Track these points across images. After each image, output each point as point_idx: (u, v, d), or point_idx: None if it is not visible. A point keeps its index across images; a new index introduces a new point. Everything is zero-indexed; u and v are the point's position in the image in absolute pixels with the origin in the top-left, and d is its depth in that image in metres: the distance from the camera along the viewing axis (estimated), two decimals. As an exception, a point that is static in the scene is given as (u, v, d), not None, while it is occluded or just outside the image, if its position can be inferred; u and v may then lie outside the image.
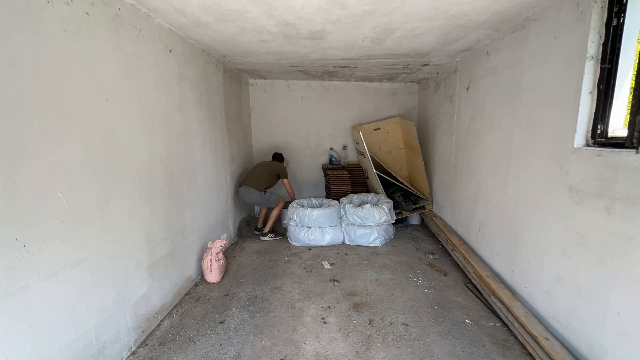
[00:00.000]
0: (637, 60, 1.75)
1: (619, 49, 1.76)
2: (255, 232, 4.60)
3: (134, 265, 2.21)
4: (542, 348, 1.99)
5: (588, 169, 1.84)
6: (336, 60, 3.86)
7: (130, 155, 2.14)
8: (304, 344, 2.26)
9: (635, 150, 1.57)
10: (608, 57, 1.79)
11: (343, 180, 5.08)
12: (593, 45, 1.84)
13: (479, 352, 2.17)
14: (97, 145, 1.85)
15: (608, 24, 1.78)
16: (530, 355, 2.11)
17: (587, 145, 1.92)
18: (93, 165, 1.82)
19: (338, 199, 4.59)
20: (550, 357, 1.91)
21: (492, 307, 2.61)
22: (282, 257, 3.77)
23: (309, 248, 4.02)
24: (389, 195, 4.69)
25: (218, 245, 3.15)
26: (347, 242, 4.15)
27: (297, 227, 4.10)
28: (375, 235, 4.02)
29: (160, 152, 2.50)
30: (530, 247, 2.39)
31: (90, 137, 1.80)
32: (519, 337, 2.22)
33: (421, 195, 4.79)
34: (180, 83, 2.84)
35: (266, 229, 4.39)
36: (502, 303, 2.46)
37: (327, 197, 5.25)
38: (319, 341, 2.29)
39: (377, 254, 3.81)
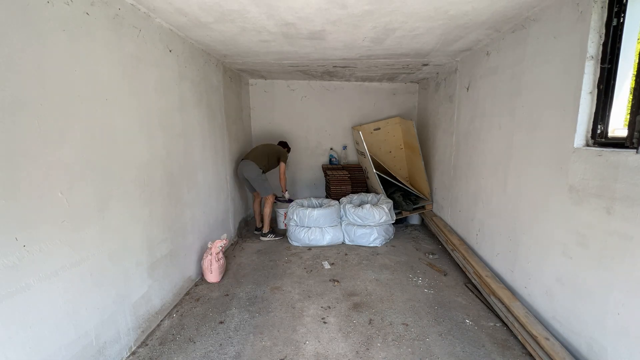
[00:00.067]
0: (637, 60, 1.75)
1: (619, 49, 1.76)
2: (255, 232, 4.60)
3: (134, 265, 2.21)
4: (542, 348, 1.99)
5: (588, 169, 1.84)
6: (336, 60, 3.86)
7: (130, 155, 2.14)
8: (304, 344, 2.26)
9: (635, 150, 1.57)
10: (608, 57, 1.79)
11: (343, 180, 5.08)
12: (593, 45, 1.84)
13: (479, 352, 2.17)
14: (97, 145, 1.85)
15: (608, 24, 1.78)
16: (530, 355, 2.11)
17: (587, 145, 1.92)
18: (93, 165, 1.82)
19: (338, 199, 4.59)
20: (550, 357, 1.91)
21: (492, 307, 2.61)
22: (282, 257, 3.77)
23: (309, 248, 4.02)
24: (389, 195, 4.69)
25: (218, 245, 3.15)
26: (347, 242, 4.15)
27: (297, 227, 4.09)
28: (375, 235, 4.02)
29: (160, 152, 2.50)
30: (530, 247, 2.39)
31: (90, 137, 1.80)
32: (519, 337, 2.22)
33: (421, 195, 4.80)
34: (180, 83, 2.84)
35: (265, 229, 4.39)
36: (502, 303, 2.46)
37: (327, 197, 5.25)
38: (319, 341, 2.29)
39: (377, 254, 3.81)
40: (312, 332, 2.38)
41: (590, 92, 1.88)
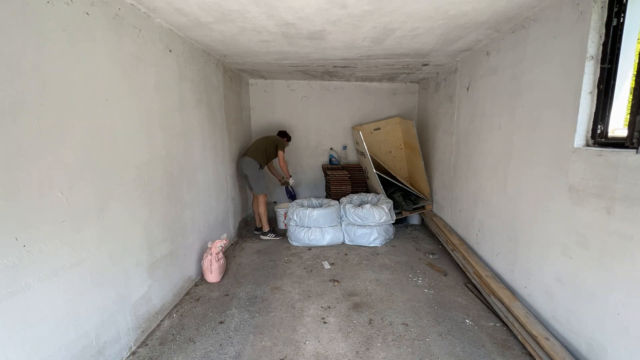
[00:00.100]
0: (637, 60, 1.75)
1: (619, 49, 1.76)
2: (255, 232, 4.60)
3: (134, 265, 2.21)
4: (542, 348, 1.99)
5: (588, 169, 1.84)
6: (336, 60, 3.86)
7: (130, 155, 2.14)
8: (304, 344, 2.26)
9: (635, 150, 1.57)
10: (608, 57, 1.79)
11: (343, 180, 5.08)
12: (593, 45, 1.84)
13: (479, 352, 2.17)
14: (97, 145, 1.85)
15: (608, 24, 1.78)
16: (530, 355, 2.11)
17: (587, 145, 1.92)
18: (93, 165, 1.82)
19: (338, 199, 4.59)
20: (550, 357, 1.91)
21: (492, 307, 2.61)
22: (282, 257, 3.77)
23: (309, 248, 4.02)
24: (389, 195, 4.69)
25: (218, 245, 3.15)
26: (347, 242, 4.15)
27: (297, 227, 4.09)
28: (375, 235, 4.02)
29: (160, 152, 2.50)
30: (530, 247, 2.39)
31: (90, 137, 1.80)
32: (519, 337, 2.22)
33: (421, 195, 4.80)
34: (180, 83, 2.84)
35: (265, 228, 4.41)
36: (502, 303, 2.46)
37: (327, 197, 5.25)
38: (319, 341, 2.29)
39: (377, 254, 3.81)
40: (312, 332, 2.38)
41: (590, 92, 1.88)
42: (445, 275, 3.28)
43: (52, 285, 1.57)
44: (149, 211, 2.36)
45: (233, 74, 4.42)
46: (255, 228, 4.63)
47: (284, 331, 2.40)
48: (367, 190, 5.25)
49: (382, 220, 4.01)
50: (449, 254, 3.69)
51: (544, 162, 2.23)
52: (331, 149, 5.68)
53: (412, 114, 5.58)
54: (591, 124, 1.90)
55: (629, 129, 1.66)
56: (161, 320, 2.53)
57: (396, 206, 4.58)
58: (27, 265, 1.44)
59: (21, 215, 1.42)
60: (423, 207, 4.77)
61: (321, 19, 2.46)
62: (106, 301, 1.94)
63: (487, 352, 2.17)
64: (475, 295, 2.87)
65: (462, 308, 2.69)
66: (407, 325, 2.47)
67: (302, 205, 4.27)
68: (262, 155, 4.29)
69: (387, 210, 4.05)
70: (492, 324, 2.48)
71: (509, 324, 2.36)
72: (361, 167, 5.42)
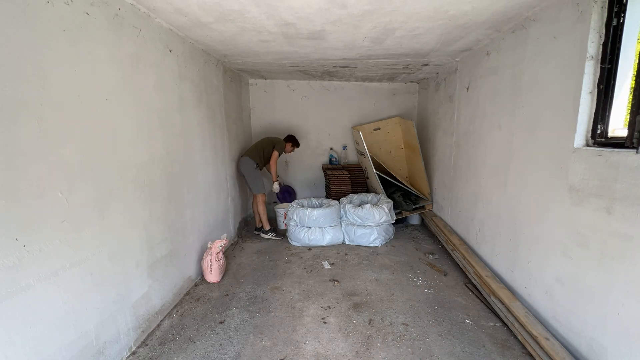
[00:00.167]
0: (637, 60, 1.75)
1: (619, 49, 1.76)
2: (255, 232, 4.60)
3: (134, 265, 2.21)
4: (542, 348, 1.99)
5: (588, 169, 1.84)
6: (336, 60, 3.86)
7: (130, 155, 2.14)
8: (304, 344, 2.26)
9: (635, 150, 1.57)
10: (608, 57, 1.79)
11: (343, 180, 5.08)
12: (593, 45, 1.84)
13: (479, 352, 2.17)
14: (97, 145, 1.85)
15: (608, 24, 1.78)
16: (530, 355, 2.11)
17: (587, 145, 1.92)
18: (93, 165, 1.82)
19: (338, 199, 4.59)
20: (550, 357, 1.91)
21: (492, 307, 2.61)
22: (282, 257, 3.77)
23: (309, 248, 4.02)
24: (389, 195, 4.69)
25: (218, 245, 3.15)
26: (347, 242, 4.15)
27: (297, 227, 4.09)
28: (375, 235, 4.02)
29: (160, 152, 2.50)
30: (531, 247, 2.39)
31: (90, 137, 1.80)
32: (519, 337, 2.22)
33: (421, 195, 4.79)
34: (180, 83, 2.84)
35: (265, 227, 4.43)
36: (502, 303, 2.46)
37: (327, 197, 5.25)
38: (319, 341, 2.29)
39: (377, 254, 3.81)
40: (312, 332, 2.38)
41: (590, 92, 1.88)
42: (445, 275, 3.28)
43: (52, 285, 1.57)
44: (149, 211, 2.36)
45: (233, 74, 4.42)
46: (255, 228, 4.63)
47: (284, 331, 2.40)
48: (367, 190, 5.25)
49: (382, 220, 4.01)
50: (449, 254, 3.69)
51: (544, 162, 2.23)
52: (331, 149, 5.68)
53: (412, 114, 5.58)
54: (591, 124, 1.90)
55: (629, 129, 1.66)
56: (161, 320, 2.53)
57: (396, 206, 4.58)
58: (27, 265, 1.44)
59: (21, 215, 1.42)
60: (423, 207, 4.77)
61: (321, 19, 2.46)
62: (106, 301, 1.94)
63: (487, 352, 2.17)
64: (475, 295, 2.87)
65: (462, 308, 2.69)
66: (407, 325, 2.47)
67: (302, 205, 4.27)
68: (259, 155, 4.30)
69: (387, 210, 4.05)
70: (492, 324, 2.48)
71: (509, 324, 2.36)
72: (361, 167, 5.42)
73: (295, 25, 2.61)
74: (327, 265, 3.51)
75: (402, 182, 4.72)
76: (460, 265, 3.31)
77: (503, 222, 2.78)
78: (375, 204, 4.18)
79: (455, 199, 3.86)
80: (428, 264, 3.54)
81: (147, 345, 2.26)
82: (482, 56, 3.15)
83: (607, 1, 1.78)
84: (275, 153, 4.41)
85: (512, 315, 2.32)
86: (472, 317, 2.56)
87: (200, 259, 3.19)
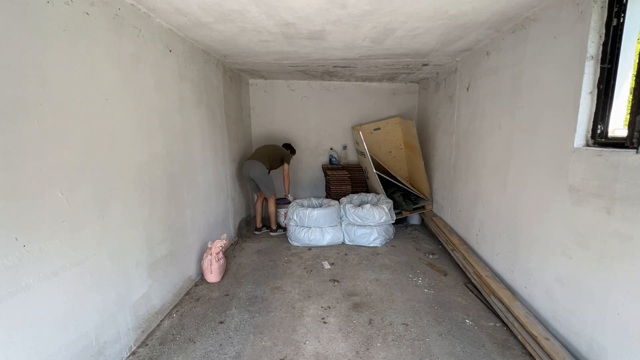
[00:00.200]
0: (637, 60, 1.75)
1: (619, 49, 1.76)
2: (256, 232, 4.60)
3: (134, 265, 2.21)
4: (542, 348, 1.99)
5: (588, 169, 1.84)
6: (336, 60, 3.86)
7: (130, 155, 2.14)
8: (304, 344, 2.26)
9: (635, 150, 1.57)
10: (608, 57, 1.79)
11: (343, 180, 5.08)
12: (593, 45, 1.84)
13: (479, 352, 2.17)
14: (97, 145, 1.86)
15: (608, 24, 1.78)
16: (530, 355, 2.11)
17: (587, 145, 1.92)
18: (93, 165, 1.82)
19: (338, 199, 4.59)
20: (550, 357, 1.91)
21: (492, 307, 2.61)
22: (282, 257, 3.77)
23: (309, 248, 4.02)
24: (389, 195, 4.69)
25: (218, 245, 3.15)
26: (347, 242, 4.15)
27: (297, 227, 4.09)
28: (375, 235, 4.02)
29: (160, 152, 2.50)
30: (531, 247, 2.39)
31: (90, 137, 1.80)
32: (519, 337, 2.22)
33: (421, 195, 4.79)
34: (180, 83, 2.84)
35: (273, 225, 4.51)
36: (502, 303, 2.46)
37: (327, 197, 5.25)
38: (319, 341, 2.29)
39: (377, 254, 3.81)
40: (312, 332, 2.38)
41: (590, 92, 1.88)
42: (445, 275, 3.28)
43: (52, 285, 1.57)
44: (149, 211, 2.36)
45: (233, 74, 4.42)
46: (255, 228, 4.63)
47: (284, 331, 2.40)
48: (367, 190, 5.25)
49: (382, 220, 4.01)
50: (449, 254, 3.68)
51: (544, 162, 2.23)
52: (331, 149, 5.68)
53: (412, 114, 5.58)
54: (591, 124, 1.90)
55: (629, 129, 1.66)
56: (161, 320, 2.53)
57: (396, 206, 4.58)
58: (27, 265, 1.44)
59: (21, 215, 1.42)
60: (423, 207, 4.77)
61: (321, 19, 2.46)
62: (106, 301, 1.94)
63: (487, 352, 2.17)
64: (475, 295, 2.87)
65: (462, 308, 2.69)
66: (407, 325, 2.47)
67: (302, 205, 4.27)
68: (269, 161, 4.35)
69: (387, 210, 4.05)
70: (492, 324, 2.48)
71: (509, 324, 2.36)
72: (361, 167, 5.42)
73: (295, 25, 2.61)
74: (327, 265, 3.51)
75: (402, 182, 4.72)
76: (460, 265, 3.31)
77: (503, 222, 2.78)
78: (375, 204, 4.18)
79: (455, 199, 3.86)
80: (428, 264, 3.54)
81: (147, 345, 2.26)
82: (482, 56, 3.15)
83: (607, 1, 1.78)
84: (287, 167, 4.52)
85: (512, 315, 2.32)
86: (472, 317, 2.56)
87: (200, 259, 3.19)
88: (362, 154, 4.98)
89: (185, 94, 2.94)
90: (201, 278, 3.22)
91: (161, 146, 2.51)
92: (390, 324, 2.48)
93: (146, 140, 2.32)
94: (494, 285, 2.65)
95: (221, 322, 2.51)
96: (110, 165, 1.96)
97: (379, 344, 2.25)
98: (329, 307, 2.71)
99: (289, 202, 4.76)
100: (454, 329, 2.42)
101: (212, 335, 2.36)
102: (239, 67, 4.25)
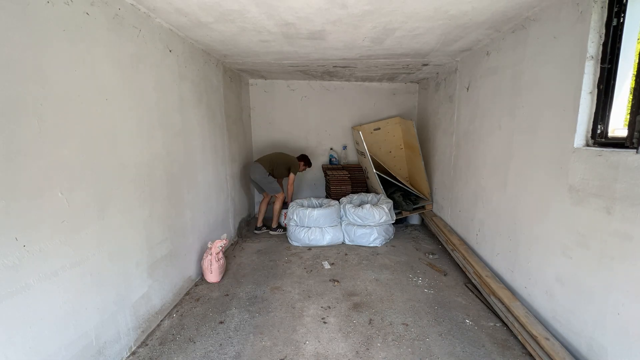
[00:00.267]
0: (637, 60, 1.75)
1: (619, 49, 1.76)
2: (256, 232, 4.60)
3: (134, 265, 2.21)
4: (542, 348, 1.99)
5: (588, 169, 1.84)
6: (336, 60, 3.86)
7: (130, 156, 2.14)
8: (304, 344, 2.26)
9: (635, 150, 1.57)
10: (608, 57, 1.79)
11: (343, 180, 5.08)
12: (593, 45, 1.84)
13: (479, 352, 2.17)
14: (97, 145, 1.85)
15: (608, 24, 1.78)
16: (530, 355, 2.11)
17: (587, 145, 1.92)
18: (93, 165, 1.82)
19: (338, 199, 4.59)
20: (550, 357, 1.91)
21: (492, 307, 2.61)
22: (282, 257, 3.77)
23: (309, 248, 4.02)
24: (389, 195, 4.69)
25: (218, 245, 3.15)
26: (347, 242, 4.15)
27: (297, 227, 4.09)
28: (375, 235, 4.02)
29: (160, 152, 2.50)
30: (531, 247, 2.39)
31: (90, 137, 1.80)
32: (519, 337, 2.22)
33: (421, 195, 4.79)
34: (180, 83, 2.84)
35: (274, 224, 4.52)
36: (502, 303, 2.46)
37: (327, 197, 5.25)
38: (319, 341, 2.29)
39: (377, 254, 3.81)
40: (312, 332, 2.38)
41: (590, 92, 1.88)
42: (445, 275, 3.28)
43: (52, 285, 1.57)
44: (149, 211, 2.36)
45: (233, 74, 4.42)
46: (255, 227, 4.64)
47: (284, 331, 2.40)
48: (367, 190, 5.25)
49: (382, 220, 4.01)
50: (449, 254, 3.68)
51: (544, 162, 2.23)
52: (331, 149, 5.68)
53: (412, 114, 5.58)
54: (591, 124, 1.90)
55: (629, 129, 1.66)
56: (161, 320, 2.53)
57: (396, 206, 4.58)
58: (27, 265, 1.44)
59: (21, 215, 1.42)
60: (423, 207, 4.77)
61: (321, 19, 2.46)
62: (106, 301, 1.94)
63: (487, 352, 2.17)
64: (475, 295, 2.87)
65: (462, 308, 2.69)
66: (407, 325, 2.47)
67: (302, 205, 4.27)
68: (271, 167, 4.38)
69: (387, 210, 4.05)
70: (492, 324, 2.48)
71: (509, 324, 2.36)
72: (361, 167, 5.42)
73: (295, 25, 2.61)
74: (327, 265, 3.51)
75: (402, 182, 4.72)
76: (460, 265, 3.31)
77: (503, 222, 2.78)
78: (375, 204, 4.18)
79: (455, 199, 3.86)
80: (428, 264, 3.54)
81: (147, 345, 2.26)
82: (482, 56, 3.15)
83: (607, 1, 1.78)
84: (292, 176, 4.53)
85: (512, 315, 2.32)
86: (472, 317, 2.56)
87: (200, 259, 3.19)
88: (362, 154, 4.98)
89: (185, 94, 2.94)
90: (201, 278, 3.22)
91: (161, 146, 2.51)
92: (390, 324, 2.48)
93: (146, 140, 2.32)
94: (494, 285, 2.65)
95: (221, 322, 2.51)
96: (110, 165, 1.96)
97: (379, 344, 2.25)
98: (329, 307, 2.71)
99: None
100: (454, 329, 2.42)
101: (212, 335, 2.36)
102: (239, 67, 4.25)
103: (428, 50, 3.37)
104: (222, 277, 3.22)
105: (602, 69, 1.82)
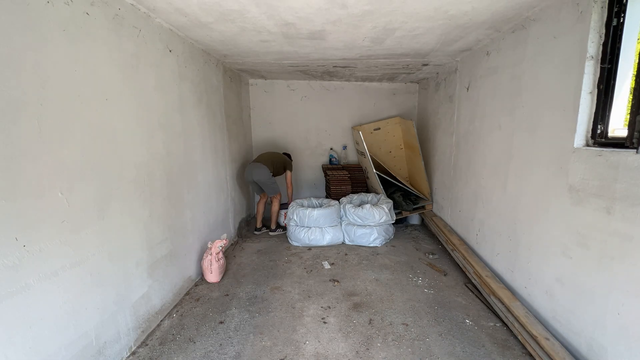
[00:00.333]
0: (637, 60, 1.75)
1: (619, 49, 1.76)
2: (255, 232, 4.60)
3: (134, 265, 2.21)
4: (542, 348, 1.99)
5: (588, 169, 1.84)
6: (336, 60, 3.86)
7: (130, 155, 2.14)
8: (304, 344, 2.26)
9: (635, 150, 1.57)
10: (608, 57, 1.79)
11: (343, 180, 5.08)
12: (593, 45, 1.84)
13: (479, 352, 2.17)
14: (97, 145, 1.85)
15: (608, 24, 1.78)
16: (530, 355, 2.11)
17: (587, 145, 1.92)
18: (93, 165, 1.82)
19: (338, 199, 4.59)
20: (550, 357, 1.91)
21: (492, 307, 2.61)
22: (282, 257, 3.77)
23: (309, 248, 4.02)
24: (389, 195, 4.69)
25: (218, 245, 3.15)
26: (347, 242, 4.15)
27: (297, 227, 4.09)
28: (375, 235, 4.02)
29: (160, 152, 2.50)
30: (531, 247, 2.39)
31: (90, 137, 1.80)
32: (519, 337, 2.22)
33: (421, 195, 4.79)
34: (180, 83, 2.84)
35: (273, 225, 4.52)
36: (502, 303, 2.46)
37: (327, 197, 5.25)
38: (319, 341, 2.29)
39: (377, 254, 3.81)
40: (312, 332, 2.38)
41: (590, 92, 1.88)
42: (445, 275, 3.28)
43: (52, 285, 1.57)
44: (149, 211, 2.36)
45: (233, 74, 4.42)
46: (255, 228, 4.64)
47: (284, 331, 2.40)
48: (367, 190, 5.25)
49: (382, 220, 4.01)
50: (449, 254, 3.68)
51: (544, 162, 2.23)
52: (331, 149, 5.68)
53: (412, 114, 5.58)
54: (591, 124, 1.90)
55: (629, 129, 1.66)
56: (161, 320, 2.53)
57: (396, 206, 4.58)
58: (27, 265, 1.44)
59: (21, 215, 1.42)
60: (423, 207, 4.77)
61: (321, 19, 2.46)
62: (106, 301, 1.94)
63: (487, 352, 2.17)
64: (475, 295, 2.87)
65: (462, 308, 2.69)
66: (407, 325, 2.47)
67: (302, 205, 4.27)
68: (273, 166, 4.38)
69: (387, 210, 4.05)
70: (492, 324, 2.48)
71: (509, 324, 2.36)
72: (361, 167, 5.42)
73: (295, 25, 2.61)
74: (327, 265, 3.51)
75: (402, 182, 4.72)
76: (460, 265, 3.31)
77: (503, 222, 2.78)
78: (375, 204, 4.18)
79: (455, 199, 3.86)
80: (428, 264, 3.54)
81: (147, 345, 2.26)
82: (482, 56, 3.15)
83: (607, 1, 1.78)
84: (290, 174, 4.60)
85: (512, 315, 2.32)
86: (472, 317, 2.56)
87: (200, 259, 3.19)
88: (362, 154, 4.98)
89: (185, 94, 2.94)
90: (201, 278, 3.22)
91: (161, 146, 2.51)
92: (390, 324, 2.48)
93: (146, 140, 2.32)
94: (494, 285, 2.65)
95: (221, 322, 2.51)
96: (110, 165, 1.96)
97: (379, 344, 2.25)
98: (329, 307, 2.71)
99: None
100: (454, 329, 2.42)
101: (212, 335, 2.36)
102: (239, 67, 4.25)
103: (428, 50, 3.37)
104: (222, 277, 3.22)
105: (602, 69, 1.82)
